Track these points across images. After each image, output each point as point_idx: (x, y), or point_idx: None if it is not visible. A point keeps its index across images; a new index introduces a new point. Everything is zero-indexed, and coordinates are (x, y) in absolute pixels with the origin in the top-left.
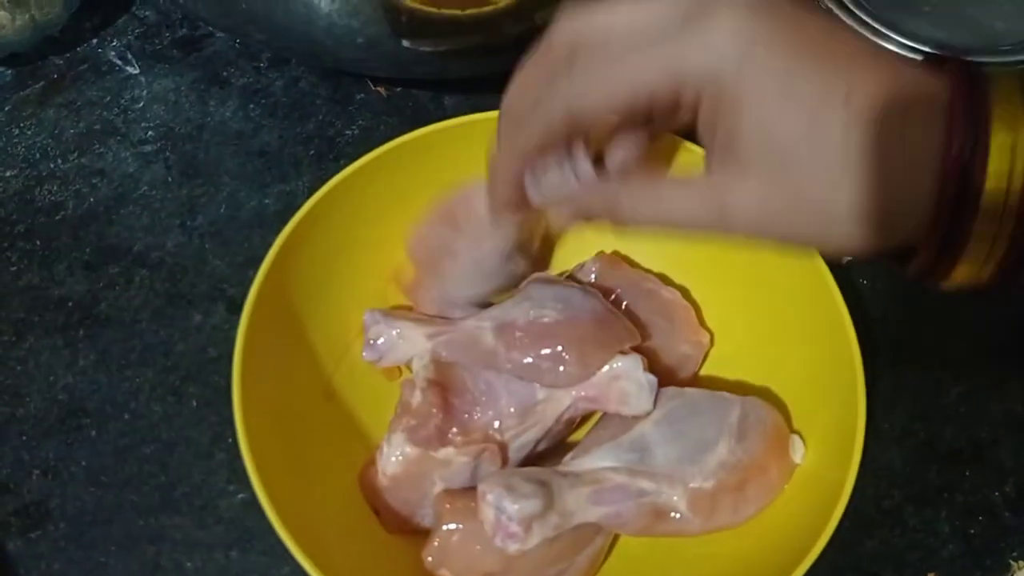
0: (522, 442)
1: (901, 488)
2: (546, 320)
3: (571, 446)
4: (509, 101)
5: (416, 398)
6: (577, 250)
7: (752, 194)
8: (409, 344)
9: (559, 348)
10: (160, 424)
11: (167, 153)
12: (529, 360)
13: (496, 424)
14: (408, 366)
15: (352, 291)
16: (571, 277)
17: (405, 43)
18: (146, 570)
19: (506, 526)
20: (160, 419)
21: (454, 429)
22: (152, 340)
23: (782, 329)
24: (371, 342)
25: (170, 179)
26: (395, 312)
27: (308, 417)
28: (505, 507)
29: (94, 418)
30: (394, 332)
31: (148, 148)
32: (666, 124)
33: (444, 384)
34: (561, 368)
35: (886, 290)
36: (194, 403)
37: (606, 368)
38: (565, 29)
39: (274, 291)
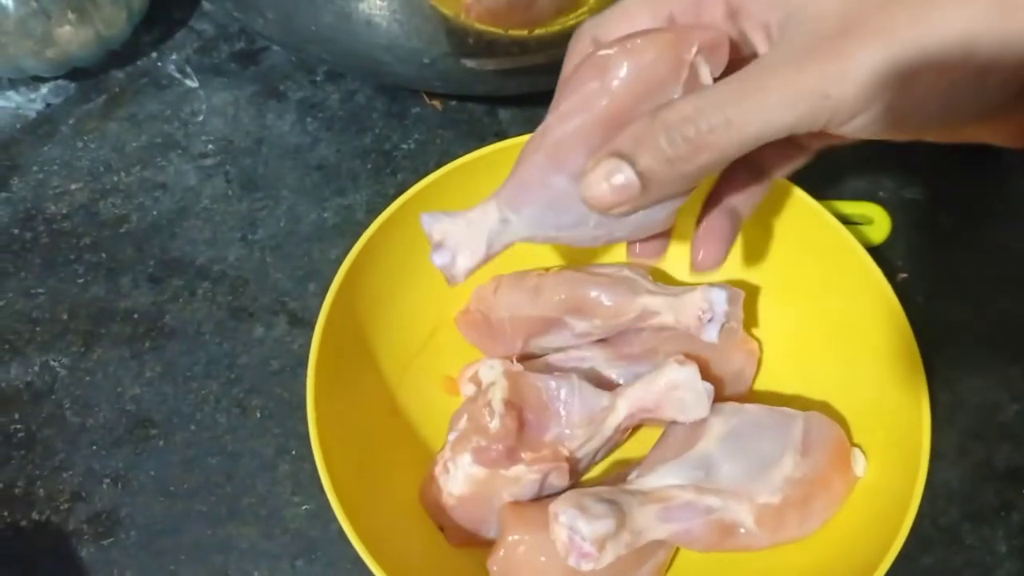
0: (586, 451)
1: (958, 506)
2: None
3: (625, 464)
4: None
5: (495, 423)
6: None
7: (863, 65)
8: (480, 229)
9: None
10: (225, 435)
11: (227, 166)
12: None
13: (565, 437)
14: (475, 384)
15: (417, 307)
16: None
17: (468, 63)
18: None
19: (580, 546)
20: (225, 430)
21: (525, 447)
22: (216, 352)
23: (837, 340)
24: (438, 245)
25: (230, 192)
26: (455, 211)
27: (375, 431)
28: (579, 527)
29: (161, 428)
30: (460, 222)
31: (208, 161)
32: None
33: (520, 403)
34: None
35: (942, 307)
36: (258, 415)
37: (663, 379)
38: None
39: (344, 306)
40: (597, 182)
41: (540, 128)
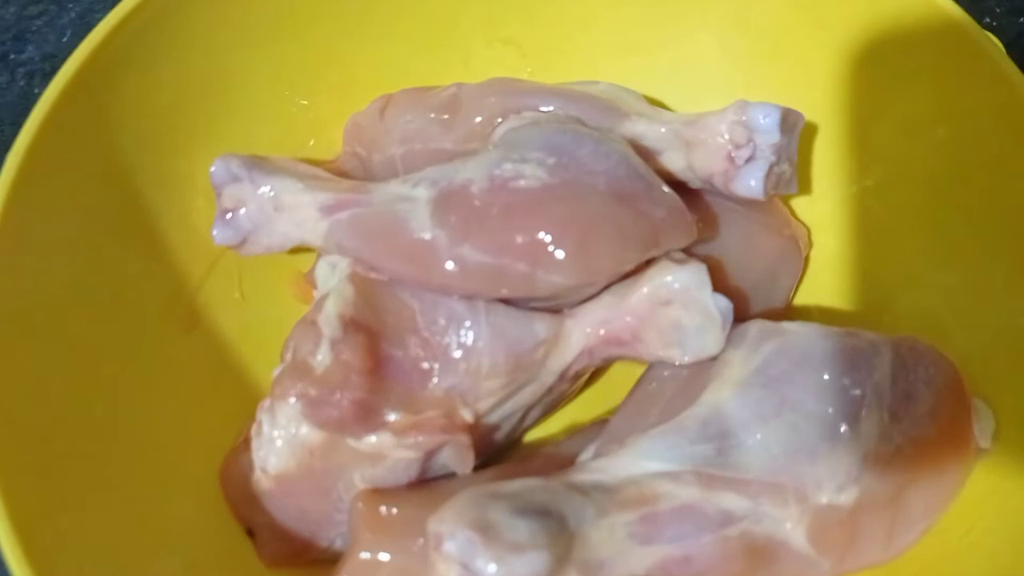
0: (505, 413)
1: None
2: (525, 184)
3: (577, 432)
4: None
5: (323, 355)
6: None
7: None
8: (291, 220)
9: (543, 235)
10: None
11: None
12: (486, 258)
13: (466, 391)
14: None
15: (241, 139)
16: None
17: None
18: None
19: None
20: None
21: (391, 403)
22: None
23: (943, 219)
24: (227, 213)
25: None
26: (271, 161)
27: (143, 360)
28: (481, 569)
29: None
30: (267, 196)
31: None
32: None
33: (373, 325)
34: (542, 271)
35: None
36: None
37: (645, 288)
38: None
39: (79, 135)
40: None
41: None
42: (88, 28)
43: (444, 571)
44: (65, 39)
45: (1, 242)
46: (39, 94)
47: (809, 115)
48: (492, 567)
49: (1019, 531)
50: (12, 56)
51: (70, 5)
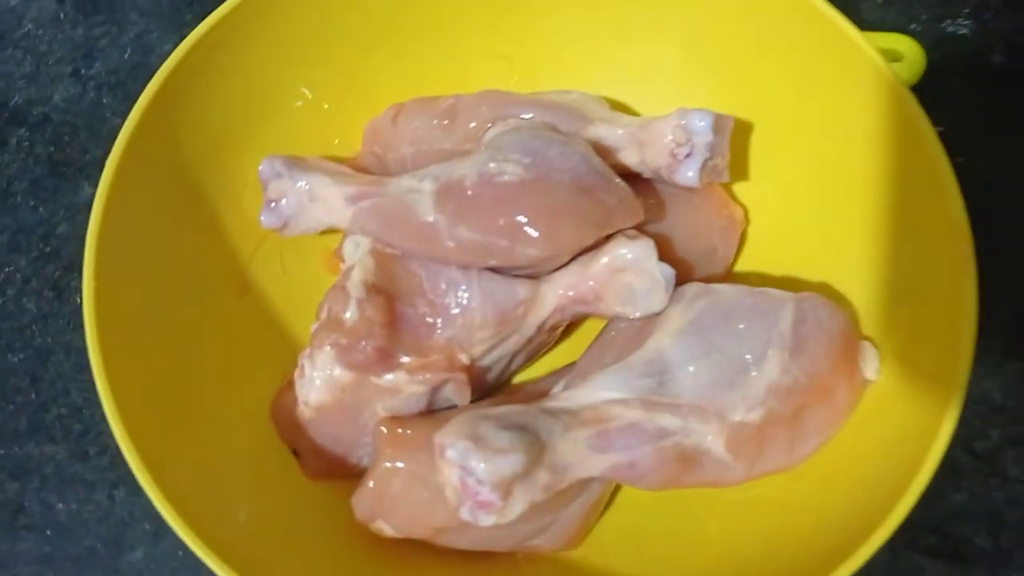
0: (495, 357)
1: (1001, 427)
2: (507, 178)
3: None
4: None
5: (351, 312)
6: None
7: None
8: (323, 208)
9: (520, 218)
10: (33, 325)
11: None
12: (477, 236)
13: (463, 340)
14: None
15: (283, 146)
16: None
17: None
18: (4, 512)
19: (476, 492)
20: (33, 319)
21: (405, 349)
22: (29, 219)
23: (850, 204)
24: (271, 203)
25: (63, 15)
26: (306, 161)
27: (208, 320)
28: (474, 468)
29: None
30: (303, 189)
31: None
32: None
33: (389, 288)
34: (520, 246)
35: (987, 170)
36: (79, 300)
37: (604, 259)
38: None
39: (156, 142)
40: None
41: None
42: (144, 47)
43: (447, 472)
44: (126, 56)
45: (105, 226)
46: (107, 103)
47: (746, 116)
48: (482, 465)
49: (894, 443)
50: (83, 71)
51: (128, 27)
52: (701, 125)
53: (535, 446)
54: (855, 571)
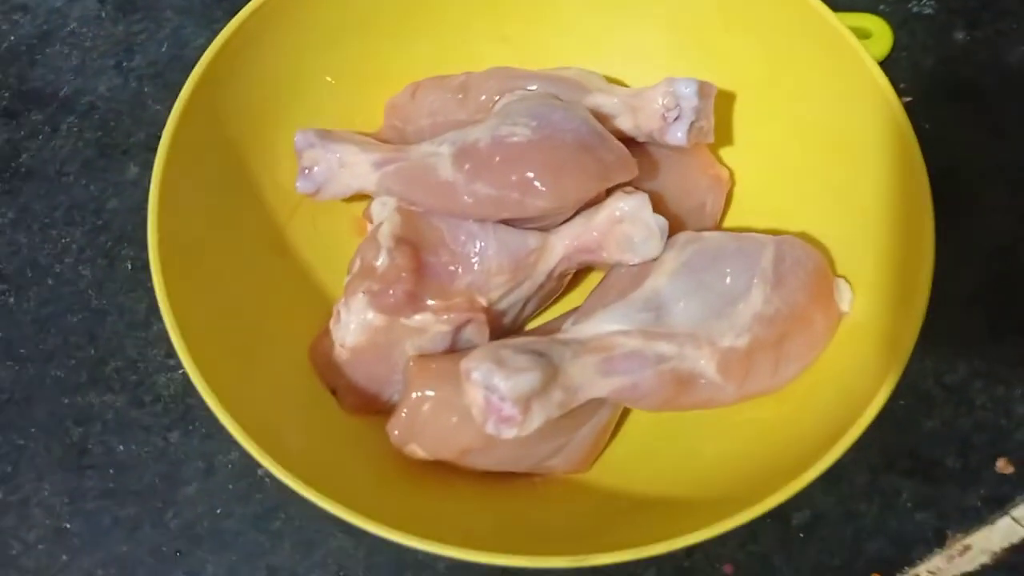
0: (510, 302)
1: (968, 361)
2: (516, 139)
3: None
4: None
5: (382, 261)
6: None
7: None
8: (352, 174)
9: (529, 174)
10: (89, 290)
11: None
12: (491, 191)
13: (481, 285)
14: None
15: (312, 123)
16: None
17: None
18: (71, 454)
19: (499, 408)
20: (89, 284)
21: (430, 293)
22: (81, 196)
23: (826, 163)
24: (305, 170)
25: (103, 13)
26: (336, 133)
27: (253, 277)
28: (496, 385)
29: (12, 284)
30: (334, 157)
31: None
32: None
33: (415, 240)
34: (530, 199)
35: (952, 136)
36: (129, 266)
37: (605, 212)
38: None
39: (205, 117)
40: None
41: None
42: (180, 41)
43: (473, 393)
44: (163, 49)
45: (163, 194)
46: (148, 92)
47: (729, 88)
48: (504, 383)
49: (865, 366)
50: (124, 64)
51: (164, 24)
52: (687, 91)
53: (550, 367)
54: (823, 472)
